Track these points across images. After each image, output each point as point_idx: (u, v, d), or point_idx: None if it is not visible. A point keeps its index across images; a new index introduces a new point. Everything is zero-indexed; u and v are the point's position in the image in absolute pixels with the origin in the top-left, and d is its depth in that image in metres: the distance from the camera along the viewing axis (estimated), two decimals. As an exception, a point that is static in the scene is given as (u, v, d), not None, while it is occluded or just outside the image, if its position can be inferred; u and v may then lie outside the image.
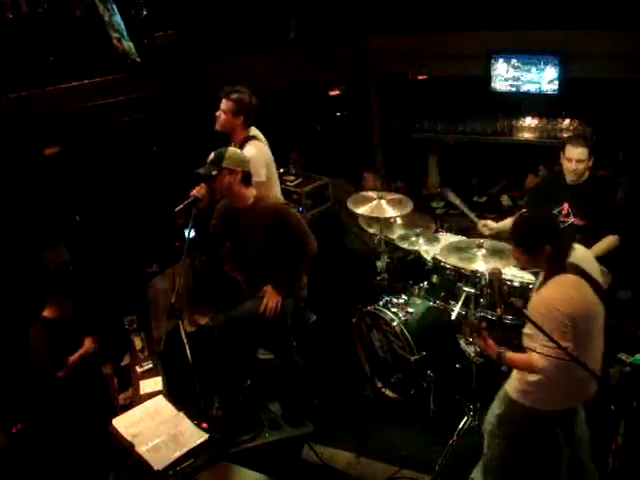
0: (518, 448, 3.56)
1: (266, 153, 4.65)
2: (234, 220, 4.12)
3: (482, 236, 4.59)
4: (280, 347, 4.60)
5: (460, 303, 4.19)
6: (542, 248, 3.08)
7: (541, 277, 3.29)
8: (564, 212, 4.43)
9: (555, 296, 3.02)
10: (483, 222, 4.70)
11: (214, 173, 3.89)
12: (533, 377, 3.16)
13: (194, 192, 4.02)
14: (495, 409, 3.50)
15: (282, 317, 4.24)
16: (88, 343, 4.66)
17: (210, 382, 4.14)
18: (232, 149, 4.02)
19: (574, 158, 4.27)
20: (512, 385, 3.34)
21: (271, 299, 4.10)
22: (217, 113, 4.58)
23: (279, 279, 4.13)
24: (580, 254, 3.20)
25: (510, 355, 3.20)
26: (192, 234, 4.03)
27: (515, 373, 3.34)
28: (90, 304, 5.36)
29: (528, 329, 3.15)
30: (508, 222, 4.75)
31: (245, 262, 4.30)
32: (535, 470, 3.90)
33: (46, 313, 4.54)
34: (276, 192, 4.77)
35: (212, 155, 3.98)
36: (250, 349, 4.61)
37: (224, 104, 4.54)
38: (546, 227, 3.17)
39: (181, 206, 3.94)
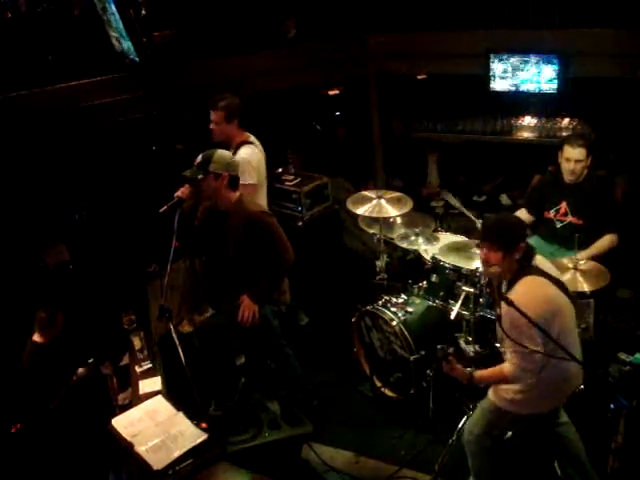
0: (506, 454, 3.57)
1: (259, 159, 4.68)
2: (216, 221, 4.14)
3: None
4: (269, 352, 4.60)
5: (459, 302, 4.20)
6: (518, 245, 3.11)
7: (504, 284, 3.28)
8: (562, 211, 4.43)
9: (523, 300, 2.98)
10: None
11: (200, 177, 3.91)
12: (518, 385, 3.17)
13: (178, 193, 4.03)
14: (479, 419, 3.49)
15: (265, 323, 4.26)
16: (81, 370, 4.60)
17: (206, 383, 4.15)
18: (219, 152, 4.01)
19: (572, 158, 4.27)
20: (497, 394, 3.33)
21: (247, 309, 4.11)
22: (211, 127, 4.64)
23: (255, 289, 4.13)
24: (537, 258, 3.23)
25: (480, 373, 3.25)
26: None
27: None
28: (90, 303, 5.37)
29: (500, 335, 3.19)
30: None
31: (221, 265, 4.30)
32: (527, 474, 3.92)
33: (35, 337, 4.46)
34: (261, 199, 4.75)
35: (199, 158, 3.99)
36: (234, 355, 4.62)
37: (214, 115, 4.61)
38: (520, 225, 3.28)
39: (165, 207, 3.94)
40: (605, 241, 4.26)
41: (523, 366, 3.03)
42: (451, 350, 3.32)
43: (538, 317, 2.93)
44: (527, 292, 3.06)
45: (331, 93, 7.68)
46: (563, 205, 4.42)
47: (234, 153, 4.63)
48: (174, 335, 3.40)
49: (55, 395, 4.37)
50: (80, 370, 4.59)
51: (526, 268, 3.13)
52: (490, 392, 3.41)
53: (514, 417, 3.29)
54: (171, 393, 3.81)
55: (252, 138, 4.79)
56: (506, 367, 3.11)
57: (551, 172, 4.73)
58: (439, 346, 3.45)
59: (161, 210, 3.93)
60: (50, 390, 4.36)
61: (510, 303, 2.87)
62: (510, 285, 3.18)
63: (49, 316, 4.45)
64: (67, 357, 4.55)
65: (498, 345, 3.22)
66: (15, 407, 4.33)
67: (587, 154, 4.27)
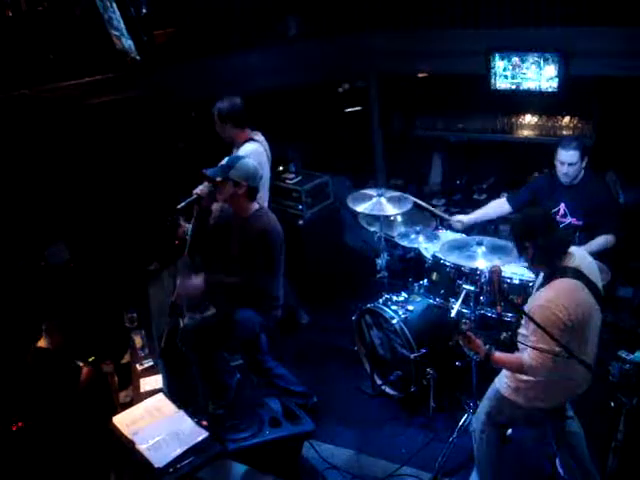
0: (506, 444, 3.60)
1: (258, 155, 4.67)
2: (228, 223, 4.14)
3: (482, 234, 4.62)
4: (250, 365, 4.60)
5: (460, 301, 4.20)
6: (536, 237, 3.13)
7: (541, 277, 3.31)
8: (561, 212, 4.44)
9: (553, 301, 3.03)
10: (456, 218, 4.83)
11: (218, 179, 3.93)
12: (525, 376, 3.20)
13: (197, 191, 4.03)
14: (484, 407, 3.54)
15: (250, 333, 4.26)
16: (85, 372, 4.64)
17: (204, 381, 4.17)
18: (244, 161, 4.03)
19: (565, 161, 4.31)
20: (503, 383, 3.39)
21: (193, 285, 3.97)
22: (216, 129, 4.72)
23: (219, 277, 4.06)
24: (580, 257, 3.22)
25: (499, 355, 3.24)
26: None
27: (505, 371, 3.38)
28: (89, 302, 5.37)
29: (523, 329, 3.20)
30: (478, 212, 4.91)
31: (223, 266, 4.31)
32: (527, 468, 3.94)
33: (41, 343, 4.52)
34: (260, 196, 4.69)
35: (225, 160, 4.03)
36: (222, 355, 4.62)
37: (215, 124, 4.67)
38: (532, 217, 3.29)
39: (183, 204, 3.95)
40: (600, 240, 4.27)
41: (541, 361, 3.04)
42: (466, 326, 3.40)
43: (563, 321, 2.98)
44: (558, 295, 3.06)
45: (332, 91, 7.68)
46: (561, 207, 4.43)
47: (238, 150, 4.66)
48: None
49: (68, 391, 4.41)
50: (85, 370, 4.62)
51: (562, 268, 3.12)
52: (496, 379, 3.46)
53: (516, 406, 3.33)
54: (172, 391, 3.82)
55: (257, 136, 4.80)
56: (525, 358, 3.11)
57: (547, 173, 4.74)
58: (463, 320, 3.58)
59: (179, 206, 3.94)
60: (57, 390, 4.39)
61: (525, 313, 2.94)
62: (545, 281, 3.20)
63: (57, 324, 4.46)
64: (70, 357, 4.58)
65: (519, 339, 3.23)
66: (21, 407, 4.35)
67: (581, 157, 4.29)
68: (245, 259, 4.09)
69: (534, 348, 3.01)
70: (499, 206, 4.81)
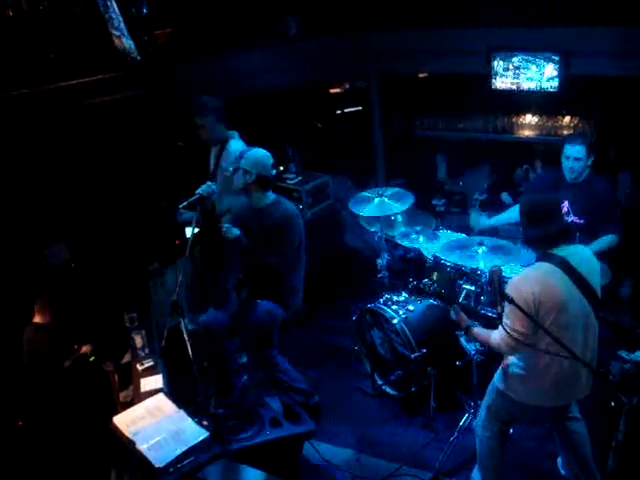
0: (505, 442, 3.61)
1: None
2: (246, 216, 4.19)
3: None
4: (260, 359, 4.58)
5: (460, 300, 4.21)
6: (533, 224, 3.17)
7: None
8: (564, 210, 4.44)
9: (523, 281, 3.09)
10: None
11: (231, 169, 4.08)
12: (514, 368, 3.25)
13: (199, 190, 4.04)
14: (485, 401, 3.59)
15: (269, 325, 4.27)
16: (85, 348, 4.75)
17: (206, 381, 4.17)
18: (254, 150, 4.12)
19: (572, 156, 4.30)
20: (498, 374, 3.44)
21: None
22: (203, 134, 4.66)
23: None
24: (574, 250, 3.19)
25: (477, 329, 3.38)
26: (195, 231, 4.03)
27: (501, 362, 3.42)
28: (90, 302, 5.37)
29: None
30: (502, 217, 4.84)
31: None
32: (528, 466, 3.94)
33: (37, 319, 4.58)
34: None
35: (237, 152, 4.16)
36: (233, 354, 4.62)
37: (204, 120, 4.60)
38: (531, 204, 3.29)
39: (185, 203, 3.96)
40: (603, 241, 4.27)
41: (505, 339, 3.08)
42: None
43: (530, 301, 2.99)
44: (530, 276, 3.11)
45: (332, 91, 7.69)
46: (565, 204, 4.43)
47: (222, 148, 4.67)
48: (184, 331, 3.42)
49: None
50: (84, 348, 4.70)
51: (547, 254, 3.13)
52: (495, 373, 3.50)
53: (509, 400, 3.35)
54: (173, 390, 3.82)
55: (236, 134, 4.81)
56: (494, 333, 3.20)
57: (551, 171, 4.74)
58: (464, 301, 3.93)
59: (181, 206, 3.97)
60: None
61: (511, 301, 2.92)
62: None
63: (48, 299, 4.68)
64: (67, 337, 4.64)
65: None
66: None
67: (587, 153, 4.28)
68: (262, 249, 4.10)
69: (502, 325, 3.05)
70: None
